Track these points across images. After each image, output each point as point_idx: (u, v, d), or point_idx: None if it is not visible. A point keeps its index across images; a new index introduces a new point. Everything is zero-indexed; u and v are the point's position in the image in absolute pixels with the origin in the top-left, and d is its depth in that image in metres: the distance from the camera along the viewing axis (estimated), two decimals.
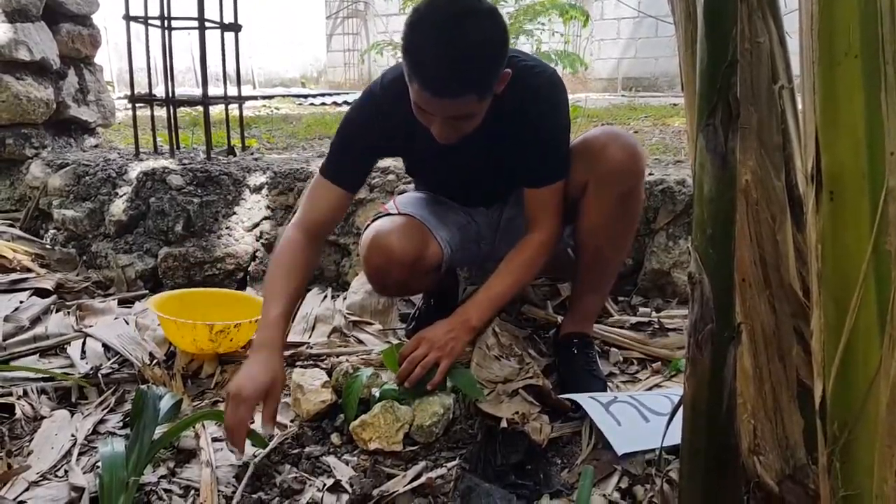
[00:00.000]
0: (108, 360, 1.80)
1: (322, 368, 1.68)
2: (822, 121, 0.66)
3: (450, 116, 1.35)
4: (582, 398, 1.46)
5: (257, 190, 2.48)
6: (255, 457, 1.36)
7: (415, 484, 1.26)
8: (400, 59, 1.35)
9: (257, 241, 2.45)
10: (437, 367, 1.44)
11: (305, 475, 1.31)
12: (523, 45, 6.52)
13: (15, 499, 1.21)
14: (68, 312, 2.09)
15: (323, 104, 6.11)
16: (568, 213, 1.62)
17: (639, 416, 1.41)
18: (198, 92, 2.80)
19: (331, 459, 1.36)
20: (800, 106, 0.84)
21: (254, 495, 1.25)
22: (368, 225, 1.69)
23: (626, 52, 8.65)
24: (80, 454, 1.40)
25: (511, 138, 1.52)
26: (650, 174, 2.13)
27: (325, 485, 1.28)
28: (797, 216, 0.97)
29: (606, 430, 1.35)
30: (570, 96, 1.58)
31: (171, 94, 2.77)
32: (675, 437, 0.97)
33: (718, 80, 0.80)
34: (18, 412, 1.52)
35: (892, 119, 0.61)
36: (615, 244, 1.63)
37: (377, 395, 1.46)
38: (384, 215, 1.70)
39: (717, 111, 0.81)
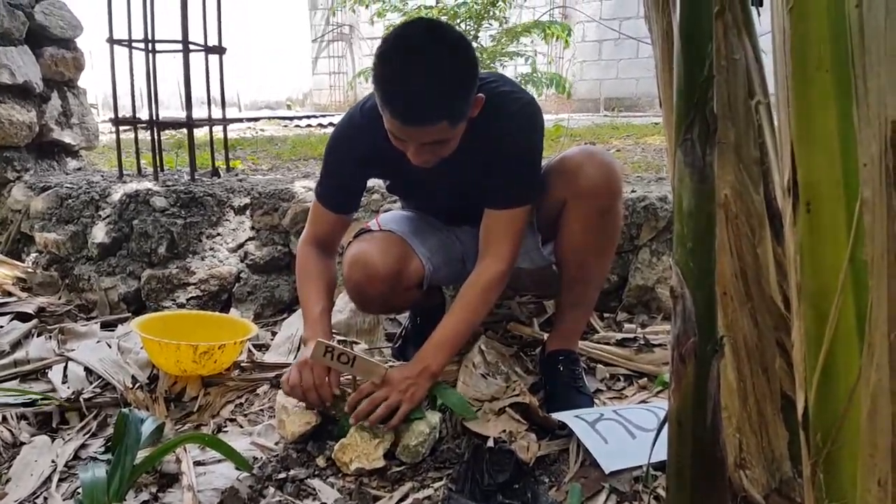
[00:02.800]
0: (90, 383, 1.78)
1: None
2: (796, 134, 0.67)
3: (424, 143, 1.36)
4: (568, 417, 1.45)
5: (241, 211, 2.48)
6: (240, 480, 1.34)
7: None
8: None
9: (241, 262, 2.44)
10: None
11: (290, 499, 1.30)
12: (507, 66, 6.59)
13: None
14: (50, 336, 2.06)
15: (308, 126, 6.12)
16: (550, 230, 1.63)
17: (625, 432, 1.41)
18: (182, 114, 2.80)
19: (316, 482, 1.34)
20: (776, 121, 0.86)
21: None
22: (350, 243, 1.70)
23: (608, 73, 8.75)
24: (61, 480, 1.38)
25: (485, 162, 1.52)
26: (632, 191, 2.14)
27: None
28: (776, 229, 0.98)
29: (593, 448, 1.35)
30: (553, 116, 1.61)
31: (155, 117, 2.77)
32: (662, 453, 0.97)
33: (695, 95, 0.81)
34: None
35: (863, 131, 0.62)
36: (596, 261, 1.63)
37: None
38: (365, 232, 1.70)
39: (695, 126, 0.82)
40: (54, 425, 1.61)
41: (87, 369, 1.84)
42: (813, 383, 0.68)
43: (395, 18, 5.22)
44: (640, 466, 1.30)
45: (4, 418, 1.58)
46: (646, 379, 1.75)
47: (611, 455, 1.33)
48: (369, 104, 1.54)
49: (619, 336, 1.95)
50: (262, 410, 1.68)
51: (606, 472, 1.30)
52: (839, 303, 0.65)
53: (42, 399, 1.68)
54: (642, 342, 1.90)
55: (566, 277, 1.66)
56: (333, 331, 2.05)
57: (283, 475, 1.36)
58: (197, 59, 2.75)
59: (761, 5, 0.97)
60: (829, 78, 0.64)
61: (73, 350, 1.96)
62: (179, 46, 2.69)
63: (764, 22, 0.94)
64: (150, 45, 2.72)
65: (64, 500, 1.29)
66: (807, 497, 0.71)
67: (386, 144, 1.44)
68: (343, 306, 2.12)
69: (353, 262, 1.61)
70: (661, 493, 1.20)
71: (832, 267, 0.65)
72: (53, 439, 1.52)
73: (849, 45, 0.61)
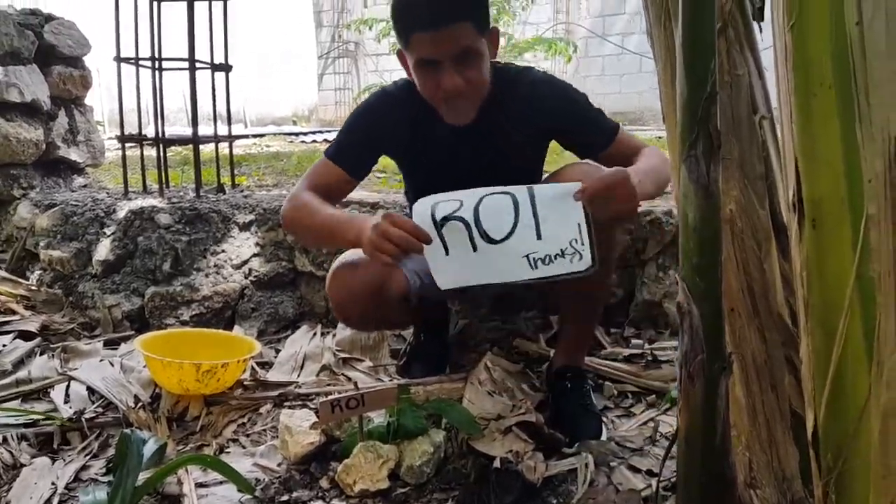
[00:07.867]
0: (93, 403, 1.77)
1: (311, 409, 1.65)
2: (800, 150, 0.67)
3: (454, 56, 1.38)
4: (425, 205, 1.35)
5: (246, 227, 2.48)
6: (242, 503, 1.33)
7: None
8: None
9: (246, 278, 2.44)
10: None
11: None
12: None
13: None
14: (53, 355, 2.06)
15: (314, 142, 6.13)
16: None
17: (468, 241, 1.32)
18: (188, 131, 2.81)
19: None
20: (780, 136, 0.85)
21: None
22: (335, 258, 1.69)
23: (611, 88, 8.77)
24: (61, 503, 1.36)
25: (527, 130, 1.56)
26: (638, 205, 2.12)
27: None
28: (783, 244, 0.97)
29: (431, 259, 1.33)
30: None
31: (161, 134, 2.78)
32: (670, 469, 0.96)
33: (699, 111, 0.81)
34: None
35: (867, 147, 0.61)
36: (595, 276, 1.59)
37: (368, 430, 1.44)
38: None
39: (699, 142, 0.81)
40: (55, 446, 1.59)
41: (89, 388, 1.82)
42: (822, 402, 0.67)
43: None
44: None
45: (5, 439, 1.56)
46: (654, 396, 1.73)
47: (447, 271, 1.33)
48: (403, 80, 1.59)
49: (627, 352, 1.93)
50: (264, 430, 1.66)
51: (441, 289, 1.35)
52: (847, 320, 0.64)
53: (44, 419, 1.66)
54: (650, 358, 1.88)
55: (565, 293, 1.64)
56: (337, 348, 2.05)
57: (285, 497, 1.34)
58: (203, 75, 2.77)
59: (762, 20, 0.97)
60: (831, 95, 0.63)
61: (75, 369, 1.95)
62: (186, 64, 2.70)
63: (766, 37, 0.94)
64: (156, 63, 2.74)
65: None
66: None
67: (415, 122, 1.49)
68: None
69: (333, 279, 1.61)
70: None
71: (839, 283, 0.64)
72: (54, 460, 1.51)
73: (850, 62, 0.61)
